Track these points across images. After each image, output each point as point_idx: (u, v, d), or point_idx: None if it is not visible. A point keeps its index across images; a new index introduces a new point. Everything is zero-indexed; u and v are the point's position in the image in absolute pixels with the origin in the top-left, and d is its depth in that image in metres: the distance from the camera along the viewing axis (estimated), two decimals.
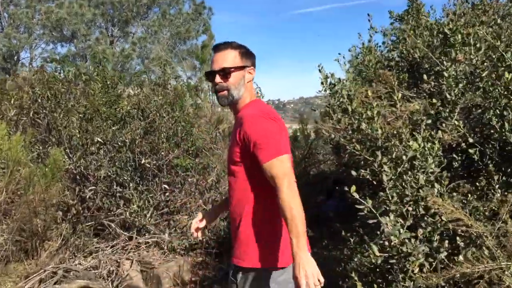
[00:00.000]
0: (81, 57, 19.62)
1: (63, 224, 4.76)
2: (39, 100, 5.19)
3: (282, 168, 1.83)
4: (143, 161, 5.06)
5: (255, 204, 1.97)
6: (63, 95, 5.47)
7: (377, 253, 2.55)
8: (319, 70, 3.37)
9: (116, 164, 5.10)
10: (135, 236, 5.14)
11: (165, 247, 5.39)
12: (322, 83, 3.40)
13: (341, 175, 10.23)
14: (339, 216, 6.46)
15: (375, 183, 3.05)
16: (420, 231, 2.56)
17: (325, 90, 3.55)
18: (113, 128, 5.42)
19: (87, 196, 4.86)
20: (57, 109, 5.06)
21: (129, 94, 5.72)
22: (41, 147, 5.02)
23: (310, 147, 9.31)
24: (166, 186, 5.41)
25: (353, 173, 3.08)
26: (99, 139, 4.91)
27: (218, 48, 2.06)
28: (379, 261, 2.60)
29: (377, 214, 2.52)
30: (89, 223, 4.98)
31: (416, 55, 3.92)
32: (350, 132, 3.25)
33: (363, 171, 3.05)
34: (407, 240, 2.50)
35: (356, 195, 2.45)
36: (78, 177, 5.15)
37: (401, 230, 2.50)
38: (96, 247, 4.79)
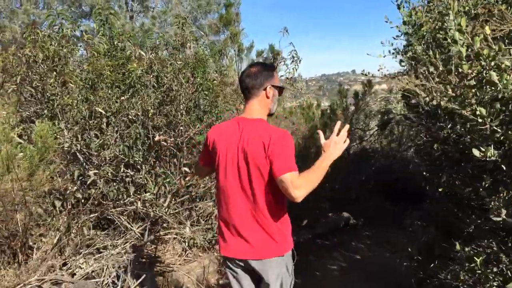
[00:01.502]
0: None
1: (59, 218, 3.84)
2: (30, 63, 4.21)
3: None
4: (156, 138, 4.05)
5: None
6: (61, 58, 4.48)
7: None
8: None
9: (125, 141, 4.11)
10: (147, 230, 4.18)
11: (186, 244, 4.43)
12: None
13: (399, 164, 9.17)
14: None
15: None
16: None
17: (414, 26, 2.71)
18: (121, 97, 4.43)
19: (88, 182, 3.91)
20: (50, 74, 4.07)
21: (141, 56, 4.68)
22: (29, 122, 4.07)
23: (351, 121, 8.20)
24: (186, 169, 4.41)
25: (476, 153, 2.02)
26: (101, 110, 3.91)
27: None
28: None
29: None
30: (92, 215, 4.03)
31: None
32: (461, 90, 2.17)
33: (492, 150, 1.97)
34: None
35: None
36: (80, 158, 4.20)
37: None
38: (99, 246, 3.87)
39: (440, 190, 3.32)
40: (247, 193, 2.26)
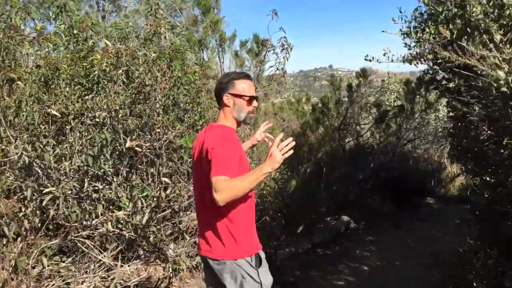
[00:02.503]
0: None
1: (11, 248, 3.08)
2: None
3: None
4: (128, 143, 3.32)
5: None
6: (9, 51, 3.72)
7: None
8: None
9: (89, 150, 3.36)
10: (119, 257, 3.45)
11: (170, 269, 3.71)
12: None
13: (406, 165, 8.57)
14: None
15: None
16: None
17: None
18: (85, 96, 3.69)
19: (44, 202, 3.15)
20: None
21: (107, 46, 3.93)
22: None
23: (346, 116, 7.55)
24: (166, 179, 3.69)
25: None
26: (55, 112, 3.15)
27: (251, 77, 2.63)
28: None
29: None
30: (52, 242, 3.28)
31: None
32: None
33: None
34: None
35: None
36: (37, 171, 3.43)
37: None
38: (65, 276, 3.13)
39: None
40: (204, 197, 2.32)
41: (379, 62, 4.79)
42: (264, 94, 6.95)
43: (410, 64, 4.96)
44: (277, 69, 5.76)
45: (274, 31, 6.41)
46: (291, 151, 2.18)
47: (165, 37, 4.93)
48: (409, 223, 7.32)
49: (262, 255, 2.48)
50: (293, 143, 2.19)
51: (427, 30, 4.37)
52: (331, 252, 5.97)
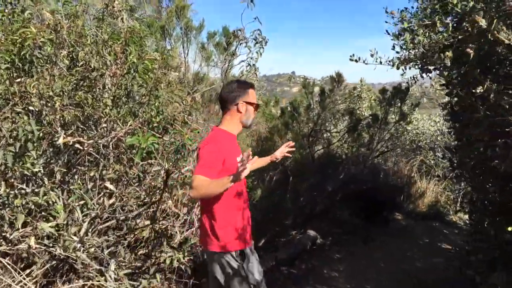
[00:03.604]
0: None
1: None
2: None
3: None
4: (61, 139, 2.64)
5: None
6: None
7: None
8: None
9: (9, 144, 2.65)
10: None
11: None
12: None
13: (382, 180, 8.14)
14: None
15: None
16: None
17: None
18: (17, 78, 2.97)
19: None
20: None
21: (46, 19, 3.23)
22: None
23: (316, 122, 7.03)
24: (110, 185, 3.02)
25: None
26: None
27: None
28: None
29: None
30: None
31: None
32: None
33: None
34: None
35: None
36: None
37: None
38: None
39: None
40: None
41: (366, 64, 4.30)
42: None
43: (398, 69, 4.49)
44: (249, 64, 5.18)
45: (249, 20, 5.79)
46: (249, 165, 2.28)
47: (122, 19, 4.26)
48: (379, 239, 6.88)
49: (248, 251, 2.73)
50: (251, 157, 2.30)
51: (426, 29, 3.88)
52: (297, 270, 5.41)
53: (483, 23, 1.71)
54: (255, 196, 5.61)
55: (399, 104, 7.27)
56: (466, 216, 9.07)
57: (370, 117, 7.37)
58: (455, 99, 2.94)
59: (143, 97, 3.79)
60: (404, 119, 7.47)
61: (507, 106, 1.82)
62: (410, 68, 4.61)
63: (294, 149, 2.72)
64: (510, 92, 1.92)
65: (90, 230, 3.20)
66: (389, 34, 4.73)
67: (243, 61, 5.15)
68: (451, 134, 4.22)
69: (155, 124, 3.85)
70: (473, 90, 2.00)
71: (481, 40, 2.02)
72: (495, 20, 1.67)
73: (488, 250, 2.56)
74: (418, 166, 9.13)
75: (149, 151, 3.47)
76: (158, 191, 3.88)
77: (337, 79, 6.94)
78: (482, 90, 1.94)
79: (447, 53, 2.23)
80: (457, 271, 5.73)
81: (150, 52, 4.05)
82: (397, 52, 4.53)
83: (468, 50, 1.95)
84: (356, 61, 4.18)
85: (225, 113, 2.82)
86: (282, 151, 3.30)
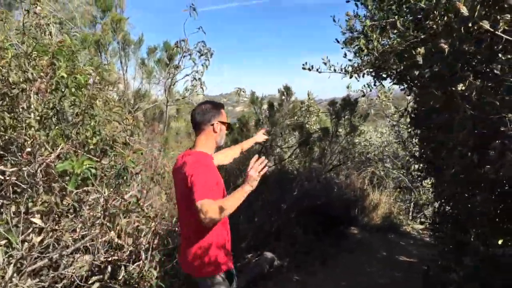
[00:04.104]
0: None
1: None
2: None
3: None
4: None
5: None
6: None
7: None
8: None
9: None
10: None
11: None
12: None
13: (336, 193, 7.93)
14: None
15: None
16: None
17: None
18: None
19: None
20: None
21: None
22: None
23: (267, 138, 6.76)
24: (37, 220, 2.59)
25: None
26: None
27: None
28: None
29: None
30: None
31: None
32: None
33: None
34: None
35: None
36: None
37: None
38: None
39: None
40: (183, 220, 2.82)
41: (320, 72, 4.10)
42: (177, 110, 5.97)
43: (351, 77, 4.32)
44: (194, 78, 4.85)
45: (192, 31, 5.39)
46: (266, 168, 2.54)
47: (50, 33, 3.83)
48: (336, 256, 6.67)
49: (234, 272, 2.78)
50: (266, 161, 2.56)
51: (376, 35, 3.73)
52: None
53: (464, 10, 1.51)
54: None
55: (348, 116, 7.18)
56: (420, 226, 9.12)
57: (320, 130, 7.22)
58: (418, 100, 2.75)
59: (77, 116, 3.37)
60: (354, 131, 7.39)
61: (498, 103, 1.62)
62: (363, 76, 4.47)
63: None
64: (495, 89, 1.73)
65: (17, 273, 2.72)
66: (338, 42, 4.59)
67: (187, 75, 4.81)
68: (414, 142, 4.05)
69: (92, 147, 3.43)
70: (453, 88, 1.80)
71: (453, 35, 1.82)
72: (477, 7, 1.48)
73: (476, 267, 2.37)
74: (370, 178, 9.09)
75: (85, 177, 3.06)
76: (98, 222, 3.45)
77: (286, 92, 6.74)
78: (463, 88, 1.74)
79: (418, 49, 2.03)
80: (418, 284, 5.63)
81: (83, 66, 3.64)
82: (350, 60, 4.37)
83: (442, 45, 1.75)
84: (309, 69, 3.97)
85: (199, 134, 2.81)
86: (262, 136, 3.60)
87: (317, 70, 3.98)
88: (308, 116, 8.21)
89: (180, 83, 5.70)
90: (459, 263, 2.53)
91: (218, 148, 3.04)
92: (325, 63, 3.97)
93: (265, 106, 7.25)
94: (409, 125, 4.04)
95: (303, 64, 3.95)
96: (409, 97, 4.42)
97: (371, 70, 4.24)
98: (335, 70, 3.99)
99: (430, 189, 8.40)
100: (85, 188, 3.05)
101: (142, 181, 4.08)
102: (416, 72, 2.39)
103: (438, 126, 2.60)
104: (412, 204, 9.01)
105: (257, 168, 2.51)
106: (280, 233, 6.54)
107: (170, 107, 5.57)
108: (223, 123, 2.82)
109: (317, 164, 7.13)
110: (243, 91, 4.70)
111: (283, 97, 6.75)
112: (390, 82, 4.61)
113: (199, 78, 4.78)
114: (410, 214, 9.06)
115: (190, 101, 5.73)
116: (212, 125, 2.77)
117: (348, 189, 8.29)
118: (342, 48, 4.61)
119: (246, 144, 3.57)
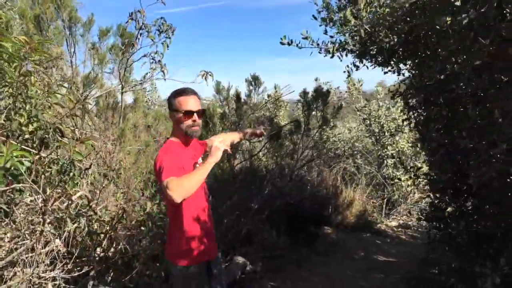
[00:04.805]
0: None
1: None
2: None
3: None
4: None
5: None
6: None
7: None
8: None
9: None
10: None
11: None
12: None
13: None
14: None
15: None
16: None
17: None
18: None
19: None
20: None
21: None
22: None
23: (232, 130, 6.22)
24: None
25: None
26: None
27: (192, 92, 2.79)
28: None
29: None
30: None
31: None
32: None
33: None
34: None
35: None
36: None
37: None
38: None
39: None
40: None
41: (300, 48, 3.59)
42: (134, 100, 5.31)
43: (333, 56, 3.84)
44: (153, 59, 4.21)
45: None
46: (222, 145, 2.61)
47: None
48: (312, 259, 6.21)
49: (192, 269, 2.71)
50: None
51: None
52: None
53: None
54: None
55: (321, 107, 6.73)
56: (394, 224, 8.79)
57: (292, 123, 6.73)
58: (443, 58, 2.28)
59: (7, 98, 2.72)
60: (326, 124, 6.94)
61: None
62: (347, 54, 4.00)
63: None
64: None
65: None
66: (315, 19, 4.09)
67: (145, 55, 4.18)
68: (413, 127, 3.57)
69: (27, 136, 2.79)
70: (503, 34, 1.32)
71: None
72: None
73: None
74: (342, 174, 8.69)
75: (15, 174, 2.43)
76: (37, 227, 2.82)
77: (254, 82, 6.21)
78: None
79: None
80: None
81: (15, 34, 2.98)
82: (331, 37, 3.89)
83: None
84: (288, 44, 3.46)
85: None
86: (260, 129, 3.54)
87: (297, 45, 3.46)
88: (276, 110, 7.72)
89: (137, 67, 5.08)
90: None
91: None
92: (305, 38, 3.47)
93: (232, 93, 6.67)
94: (405, 107, 3.58)
95: (281, 38, 3.42)
96: (398, 77, 3.95)
97: (355, 48, 3.77)
98: (318, 45, 3.49)
99: (407, 183, 8.08)
100: (15, 186, 2.41)
101: (94, 179, 3.45)
102: (448, 20, 1.93)
103: (458, 99, 2.13)
104: (385, 200, 8.67)
105: (223, 140, 2.69)
106: (251, 235, 5.99)
107: (127, 95, 4.95)
108: (174, 110, 2.74)
109: (289, 159, 6.63)
110: (210, 75, 4.12)
111: (251, 88, 6.22)
112: (372, 65, 4.16)
113: (159, 60, 4.17)
114: (383, 211, 8.71)
115: (150, 88, 5.08)
116: (172, 113, 2.78)
117: (321, 186, 7.85)
118: (320, 25, 4.13)
119: (246, 134, 3.53)
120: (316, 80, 8.15)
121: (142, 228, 4.35)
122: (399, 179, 8.51)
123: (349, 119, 11.42)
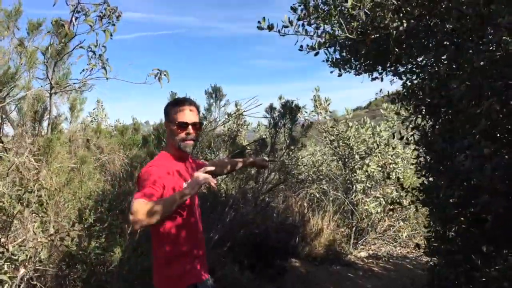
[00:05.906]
0: None
1: None
2: None
3: None
4: None
5: None
6: None
7: None
8: None
9: None
10: None
11: None
12: None
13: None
14: None
15: None
16: None
17: None
18: None
19: None
20: None
21: None
22: None
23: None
24: None
25: None
26: None
27: (189, 102, 2.66)
28: None
29: None
30: None
31: None
32: None
33: None
34: None
35: None
36: None
37: None
38: None
39: None
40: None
41: (282, 35, 2.87)
42: (70, 107, 4.40)
43: (317, 54, 3.15)
44: (93, 52, 3.33)
45: None
46: (213, 183, 2.32)
47: None
48: None
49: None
50: (213, 168, 2.53)
51: None
52: None
53: None
54: (112, 260, 3.74)
55: (289, 125, 6.04)
56: (363, 254, 8.13)
57: (257, 142, 5.99)
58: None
59: None
60: (295, 144, 6.25)
61: None
62: (335, 51, 3.33)
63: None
64: None
65: None
66: (294, 11, 3.41)
67: (81, 46, 3.32)
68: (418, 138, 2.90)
69: None
70: None
71: None
72: None
73: None
74: (308, 200, 7.98)
75: None
76: None
77: (215, 93, 5.45)
78: None
79: None
80: None
81: None
82: (317, 28, 3.20)
83: None
84: (269, 28, 2.73)
85: None
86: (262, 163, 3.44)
87: (278, 31, 2.75)
88: (240, 127, 6.97)
89: (75, 69, 4.17)
90: None
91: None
92: (289, 23, 2.76)
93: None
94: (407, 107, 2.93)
95: (259, 22, 2.70)
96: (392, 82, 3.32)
97: (349, 42, 3.11)
98: (306, 32, 2.79)
99: (376, 210, 7.46)
100: None
101: (3, 203, 2.55)
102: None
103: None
104: (353, 229, 8.00)
105: (205, 176, 2.30)
106: (212, 271, 5.13)
107: (60, 98, 4.03)
108: (169, 122, 2.64)
109: (253, 183, 5.86)
110: (165, 74, 3.34)
111: (212, 100, 5.46)
112: (363, 68, 3.51)
113: (100, 55, 3.29)
114: (351, 241, 8.04)
115: (89, 88, 4.15)
116: (167, 123, 2.68)
117: (287, 213, 7.09)
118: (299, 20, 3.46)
119: (244, 163, 3.39)
120: (280, 98, 7.49)
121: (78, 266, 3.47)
122: (367, 207, 7.89)
123: (311, 142, 10.82)
